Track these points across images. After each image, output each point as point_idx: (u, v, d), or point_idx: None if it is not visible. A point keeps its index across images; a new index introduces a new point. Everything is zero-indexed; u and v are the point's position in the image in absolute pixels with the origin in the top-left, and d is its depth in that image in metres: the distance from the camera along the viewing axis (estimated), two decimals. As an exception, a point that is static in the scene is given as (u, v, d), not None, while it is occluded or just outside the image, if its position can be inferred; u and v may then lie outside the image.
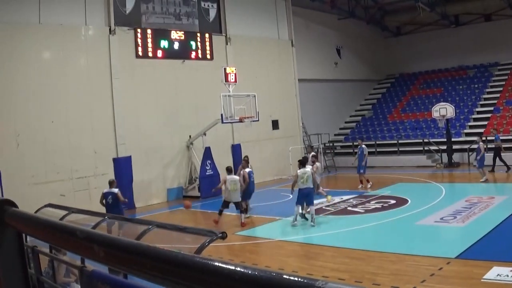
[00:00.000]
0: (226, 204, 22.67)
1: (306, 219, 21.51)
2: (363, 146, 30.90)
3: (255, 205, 25.11)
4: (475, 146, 31.61)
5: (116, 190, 20.18)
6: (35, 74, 26.25)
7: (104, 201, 20.04)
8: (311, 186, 21.41)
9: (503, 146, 33.81)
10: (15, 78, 25.54)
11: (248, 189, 23.87)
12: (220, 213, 22.55)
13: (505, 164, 33.04)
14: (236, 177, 22.96)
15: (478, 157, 30.17)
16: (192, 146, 32.45)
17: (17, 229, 3.35)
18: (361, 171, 30.26)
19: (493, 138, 33.99)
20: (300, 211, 21.59)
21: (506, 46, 47.09)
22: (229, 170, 23.21)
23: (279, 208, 23.25)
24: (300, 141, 41.34)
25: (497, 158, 32.87)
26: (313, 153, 29.36)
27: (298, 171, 21.46)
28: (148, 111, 30.96)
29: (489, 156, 32.06)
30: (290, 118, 40.65)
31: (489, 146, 34.32)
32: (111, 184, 20.49)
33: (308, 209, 21.46)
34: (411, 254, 15.34)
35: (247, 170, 24.26)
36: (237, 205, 22.64)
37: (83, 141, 27.89)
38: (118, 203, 20.10)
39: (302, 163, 22.10)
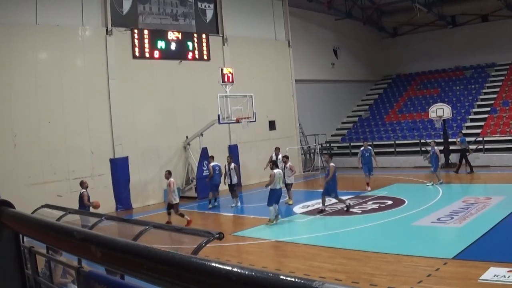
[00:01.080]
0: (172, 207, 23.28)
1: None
2: (369, 147, 30.69)
3: (251, 205, 25.13)
4: (428, 148, 32.29)
5: (82, 191, 20.99)
6: (32, 74, 26.25)
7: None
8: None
9: (501, 147, 34.06)
10: (12, 78, 25.54)
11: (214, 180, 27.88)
12: (170, 214, 23.42)
13: (469, 165, 34.00)
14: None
15: (432, 161, 30.61)
16: (189, 147, 32.46)
17: (14, 230, 3.35)
18: (372, 172, 29.97)
19: (459, 140, 35.10)
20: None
21: (503, 46, 47.17)
22: (170, 173, 24.03)
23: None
24: (297, 142, 41.33)
25: (464, 160, 34.41)
26: (281, 155, 29.12)
27: (275, 171, 22.14)
28: (145, 112, 30.97)
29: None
30: (287, 118, 40.65)
31: (453, 148, 36.38)
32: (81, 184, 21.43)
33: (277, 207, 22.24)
34: (408, 254, 15.35)
35: (212, 164, 27.94)
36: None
37: (80, 142, 27.90)
38: (82, 203, 20.71)
39: (276, 164, 23.08)
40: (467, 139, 37.95)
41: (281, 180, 22.30)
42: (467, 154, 33.93)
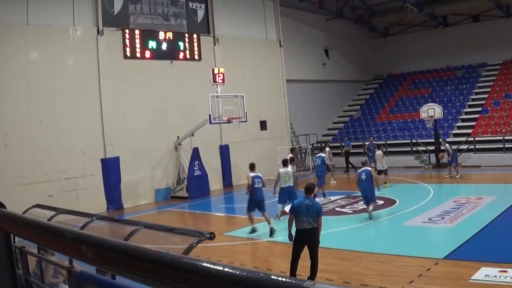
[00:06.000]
0: None
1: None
2: (321, 154, 28.67)
3: (243, 205, 25.11)
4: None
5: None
6: (23, 74, 26.16)
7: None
8: (292, 185, 22.31)
9: (492, 147, 34.31)
10: (3, 78, 25.45)
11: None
12: None
13: (353, 166, 37.44)
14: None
15: (449, 158, 32.15)
16: (180, 147, 32.41)
17: (5, 230, 3.35)
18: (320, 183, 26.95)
19: (345, 143, 39.67)
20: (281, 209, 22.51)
21: (494, 46, 47.31)
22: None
23: (268, 209, 23.19)
24: (288, 142, 41.32)
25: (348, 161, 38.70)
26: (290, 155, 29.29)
27: (280, 170, 22.66)
28: (136, 112, 30.91)
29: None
30: (278, 118, 40.66)
31: (340, 151, 40.32)
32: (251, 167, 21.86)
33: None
34: (400, 254, 15.38)
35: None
36: None
37: (71, 142, 27.82)
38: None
39: (284, 163, 23.06)
40: (458, 139, 38.35)
41: (289, 178, 22.39)
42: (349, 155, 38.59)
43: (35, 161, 26.20)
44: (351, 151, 40.43)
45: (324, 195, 26.86)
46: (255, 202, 20.70)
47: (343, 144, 40.48)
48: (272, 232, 19.75)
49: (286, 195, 22.24)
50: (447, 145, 32.35)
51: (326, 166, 27.82)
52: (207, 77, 30.15)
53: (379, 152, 31.09)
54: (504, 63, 47.87)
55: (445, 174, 32.26)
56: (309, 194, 13.88)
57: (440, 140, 35.46)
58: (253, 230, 20.57)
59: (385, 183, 29.62)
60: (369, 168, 22.99)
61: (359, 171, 23.02)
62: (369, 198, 22.03)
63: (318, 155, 28.61)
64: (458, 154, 36.65)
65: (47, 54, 27.51)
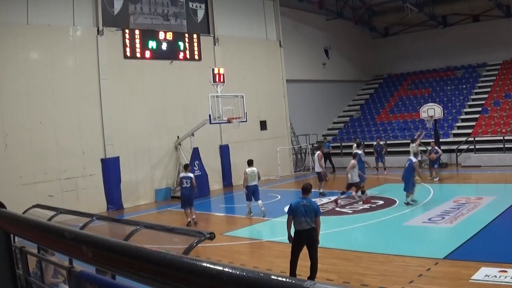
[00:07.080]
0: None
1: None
2: (360, 152, 29.08)
3: (243, 205, 25.13)
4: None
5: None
6: (23, 74, 26.13)
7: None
8: (257, 183, 23.90)
9: (492, 147, 34.35)
10: (3, 78, 25.42)
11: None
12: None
13: (333, 167, 39.03)
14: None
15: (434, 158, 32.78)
16: (180, 147, 32.40)
17: (5, 230, 3.35)
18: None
19: (325, 145, 40.42)
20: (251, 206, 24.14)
21: (494, 46, 47.30)
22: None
23: (268, 209, 23.25)
24: (288, 142, 41.33)
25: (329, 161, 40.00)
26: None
27: (247, 170, 23.92)
28: (136, 112, 30.89)
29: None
30: (278, 118, 40.63)
31: (444, 148, 38.13)
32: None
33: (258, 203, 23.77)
34: (399, 254, 15.38)
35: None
36: None
37: (71, 142, 27.80)
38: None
39: (249, 163, 24.43)
40: (458, 139, 38.37)
41: (254, 177, 23.75)
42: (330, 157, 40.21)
43: (35, 161, 26.19)
44: (331, 152, 41.22)
45: (363, 192, 26.82)
46: (183, 200, 23.54)
47: (323, 145, 40.53)
48: (188, 225, 22.36)
49: (251, 193, 23.68)
50: (436, 147, 32.26)
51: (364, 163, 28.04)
52: (207, 77, 30.13)
53: (413, 145, 32.21)
54: (504, 63, 47.88)
55: (443, 175, 32.20)
56: (306, 194, 13.90)
57: (431, 142, 35.22)
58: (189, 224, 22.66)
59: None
60: (413, 159, 24.01)
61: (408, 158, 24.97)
62: (405, 186, 23.76)
63: (354, 151, 28.49)
64: (458, 154, 36.79)
65: (47, 54, 27.49)
